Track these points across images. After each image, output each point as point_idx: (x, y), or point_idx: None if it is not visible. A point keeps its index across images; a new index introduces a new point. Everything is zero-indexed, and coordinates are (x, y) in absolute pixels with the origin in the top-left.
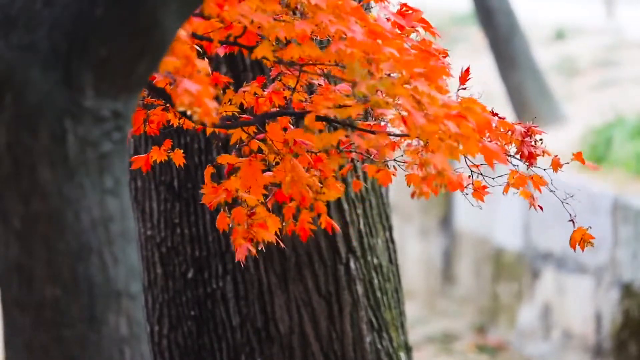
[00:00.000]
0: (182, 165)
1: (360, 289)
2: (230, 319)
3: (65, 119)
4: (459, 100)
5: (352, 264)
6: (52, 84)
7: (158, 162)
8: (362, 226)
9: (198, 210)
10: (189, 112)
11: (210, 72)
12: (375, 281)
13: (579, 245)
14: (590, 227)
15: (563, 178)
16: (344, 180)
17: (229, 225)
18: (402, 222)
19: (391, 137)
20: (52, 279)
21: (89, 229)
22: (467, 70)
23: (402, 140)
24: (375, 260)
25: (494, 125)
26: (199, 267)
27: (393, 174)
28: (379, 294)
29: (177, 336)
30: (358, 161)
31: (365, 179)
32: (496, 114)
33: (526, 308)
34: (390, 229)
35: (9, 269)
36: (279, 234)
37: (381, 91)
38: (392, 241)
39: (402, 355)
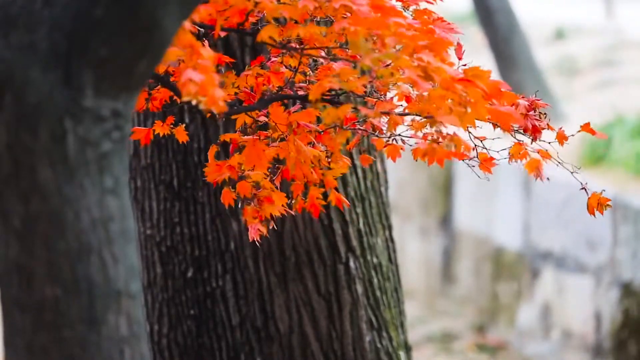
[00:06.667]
0: (184, 142)
1: (359, 288)
2: (229, 318)
3: (65, 118)
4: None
5: (351, 263)
6: (52, 84)
7: (161, 135)
8: (361, 225)
9: (197, 209)
10: (194, 102)
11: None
12: (375, 280)
13: (597, 210)
14: (602, 192)
15: (563, 177)
16: (343, 179)
17: (234, 199)
18: (402, 221)
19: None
20: (52, 278)
21: (88, 228)
22: (460, 45)
23: (404, 118)
24: (374, 260)
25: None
26: (199, 266)
27: (401, 148)
28: (378, 293)
29: (177, 335)
30: (363, 137)
31: (364, 177)
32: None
33: (526, 308)
34: (390, 228)
35: (9, 269)
36: (284, 209)
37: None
38: (392, 240)
39: (402, 354)
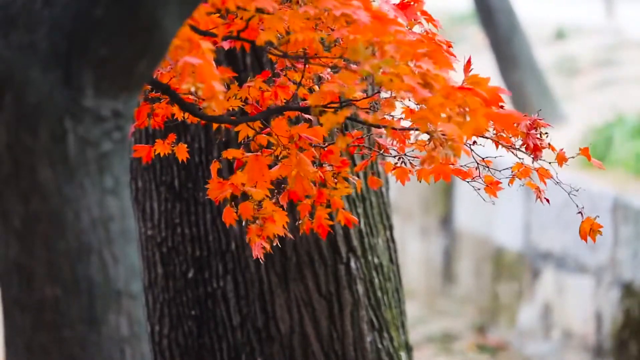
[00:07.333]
0: (185, 160)
1: (360, 288)
2: (230, 319)
3: (66, 118)
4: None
5: (352, 264)
6: (52, 83)
7: (162, 155)
8: (362, 226)
9: (199, 210)
10: (192, 89)
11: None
12: (376, 281)
13: (589, 235)
14: (596, 218)
15: (563, 177)
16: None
17: (236, 220)
18: (403, 221)
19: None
20: (52, 278)
21: (89, 228)
22: (469, 61)
23: (409, 136)
24: (375, 260)
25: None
26: (200, 266)
27: (410, 172)
28: (379, 293)
29: (178, 336)
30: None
31: (365, 177)
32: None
33: (526, 308)
34: (390, 228)
35: (9, 269)
36: (285, 230)
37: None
38: (393, 241)
39: (403, 354)
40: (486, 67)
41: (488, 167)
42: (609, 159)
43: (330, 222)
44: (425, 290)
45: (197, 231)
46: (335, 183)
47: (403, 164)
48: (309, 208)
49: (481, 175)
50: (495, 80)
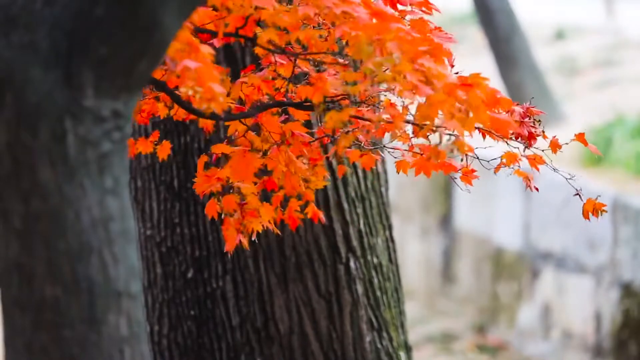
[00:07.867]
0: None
1: (360, 288)
2: (230, 319)
3: (66, 118)
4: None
5: (352, 264)
6: (53, 83)
7: (143, 153)
8: (362, 225)
9: (198, 210)
10: (193, 95)
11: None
12: (375, 280)
13: (592, 214)
14: (597, 198)
15: (563, 177)
16: (344, 179)
17: (218, 212)
18: (402, 221)
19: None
20: (52, 278)
21: (89, 228)
22: (450, 52)
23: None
24: (375, 260)
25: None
26: (199, 266)
27: (376, 159)
28: (379, 293)
29: (177, 336)
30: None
31: (365, 177)
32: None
33: (526, 308)
34: (390, 228)
35: (9, 269)
36: (271, 225)
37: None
38: (392, 240)
39: (402, 354)
40: (486, 67)
41: (477, 156)
42: (609, 159)
43: (301, 216)
44: (425, 290)
45: (197, 231)
46: (310, 176)
47: (371, 152)
48: (281, 199)
49: (469, 167)
50: (495, 80)
